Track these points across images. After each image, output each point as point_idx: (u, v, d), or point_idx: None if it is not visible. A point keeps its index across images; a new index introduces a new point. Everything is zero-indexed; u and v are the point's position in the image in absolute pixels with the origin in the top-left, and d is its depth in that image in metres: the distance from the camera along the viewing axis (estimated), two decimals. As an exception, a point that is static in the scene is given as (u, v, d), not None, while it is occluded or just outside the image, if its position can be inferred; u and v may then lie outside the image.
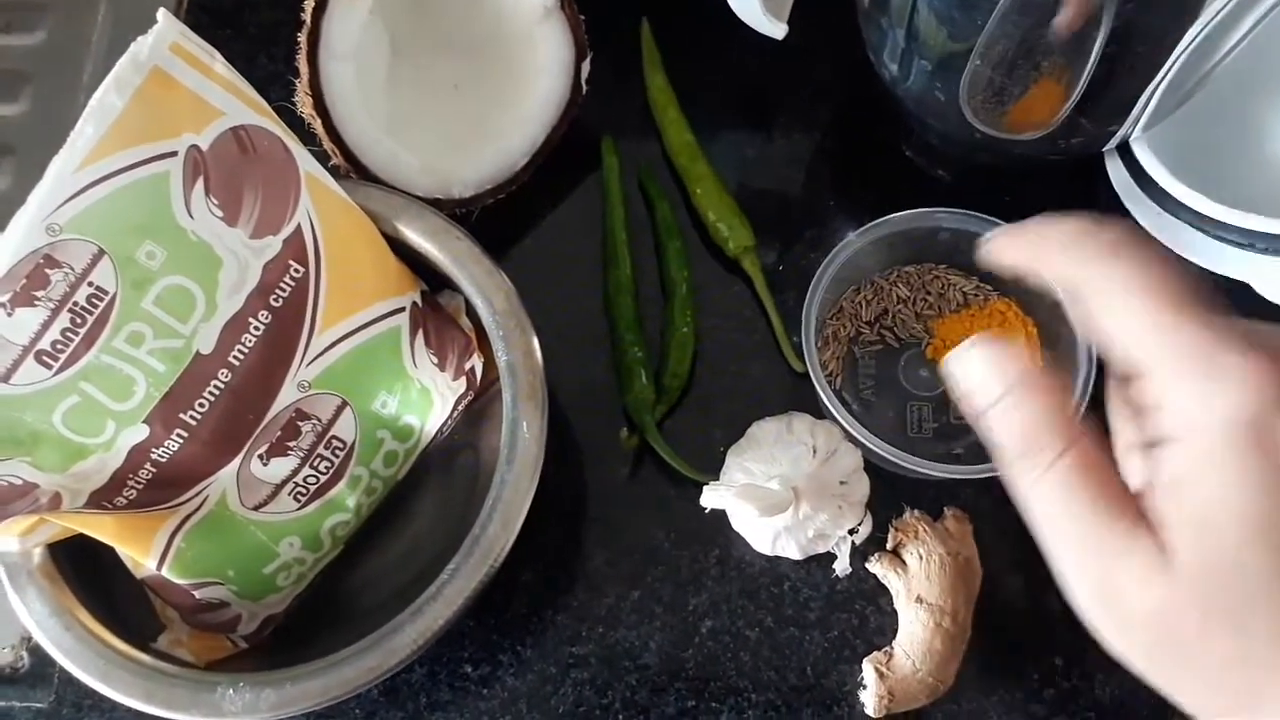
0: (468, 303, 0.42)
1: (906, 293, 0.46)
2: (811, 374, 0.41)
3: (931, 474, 0.40)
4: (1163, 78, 0.38)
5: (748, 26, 0.46)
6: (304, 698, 0.34)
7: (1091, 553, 0.27)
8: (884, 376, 0.45)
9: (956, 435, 0.44)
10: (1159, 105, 0.40)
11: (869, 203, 0.49)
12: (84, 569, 0.39)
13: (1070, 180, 0.48)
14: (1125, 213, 0.46)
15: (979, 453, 0.44)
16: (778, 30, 0.46)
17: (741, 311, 0.47)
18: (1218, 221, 0.41)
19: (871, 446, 0.40)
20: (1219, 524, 0.25)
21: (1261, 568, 0.25)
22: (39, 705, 0.43)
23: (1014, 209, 0.45)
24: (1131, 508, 0.26)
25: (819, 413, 0.44)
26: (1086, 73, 0.38)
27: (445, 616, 0.35)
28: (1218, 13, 0.35)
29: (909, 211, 0.44)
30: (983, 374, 0.28)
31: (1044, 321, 0.44)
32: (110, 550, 0.38)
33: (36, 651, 0.44)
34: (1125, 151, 0.45)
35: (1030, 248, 0.31)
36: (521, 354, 0.39)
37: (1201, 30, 0.36)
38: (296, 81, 0.43)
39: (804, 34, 0.46)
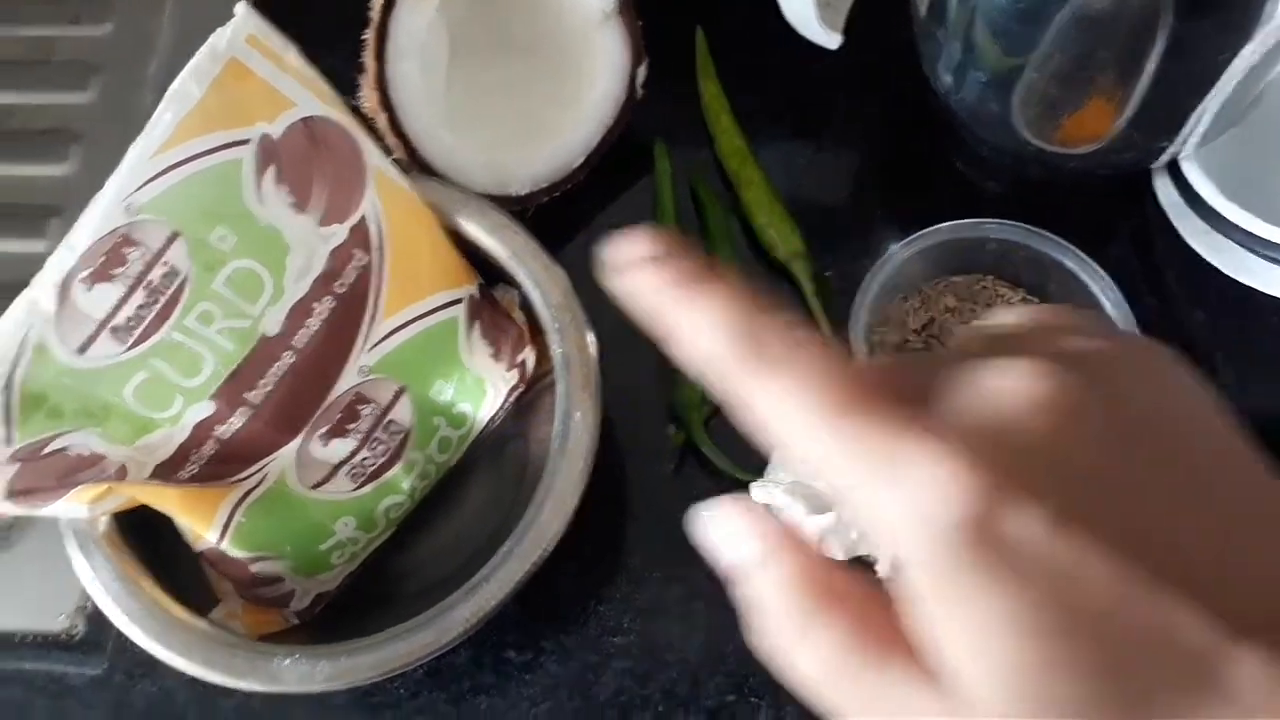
0: (522, 297, 0.43)
1: (954, 303, 0.47)
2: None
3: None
4: (1216, 96, 0.39)
5: (802, 35, 0.47)
6: (358, 670, 0.35)
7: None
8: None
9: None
10: (1212, 123, 0.41)
11: (918, 212, 0.49)
12: (142, 541, 0.40)
13: (1120, 196, 0.49)
14: (1173, 231, 0.46)
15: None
16: (832, 40, 0.47)
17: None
18: (1268, 241, 0.41)
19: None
20: (989, 667, 0.20)
21: (1061, 698, 0.20)
22: (92, 673, 0.44)
23: (1063, 223, 0.45)
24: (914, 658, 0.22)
25: (863, 417, 0.45)
26: (1140, 89, 0.39)
27: (498, 597, 0.36)
28: (1274, 30, 0.36)
29: (957, 221, 0.44)
30: (726, 546, 0.24)
31: (1089, 334, 0.45)
32: (167, 524, 0.39)
33: (92, 619, 0.45)
34: (1174, 169, 0.45)
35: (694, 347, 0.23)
36: (576, 346, 0.40)
37: (1257, 48, 0.37)
38: (360, 77, 0.45)
39: (858, 44, 0.47)
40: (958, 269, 0.47)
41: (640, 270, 0.23)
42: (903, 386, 0.22)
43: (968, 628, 0.20)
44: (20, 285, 0.52)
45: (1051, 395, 0.21)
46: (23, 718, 0.44)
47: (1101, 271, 0.43)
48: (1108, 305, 0.43)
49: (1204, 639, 0.20)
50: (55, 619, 0.45)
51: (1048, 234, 0.44)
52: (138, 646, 0.45)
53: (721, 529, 0.23)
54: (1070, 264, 0.44)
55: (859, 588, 0.22)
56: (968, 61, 0.41)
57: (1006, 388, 0.21)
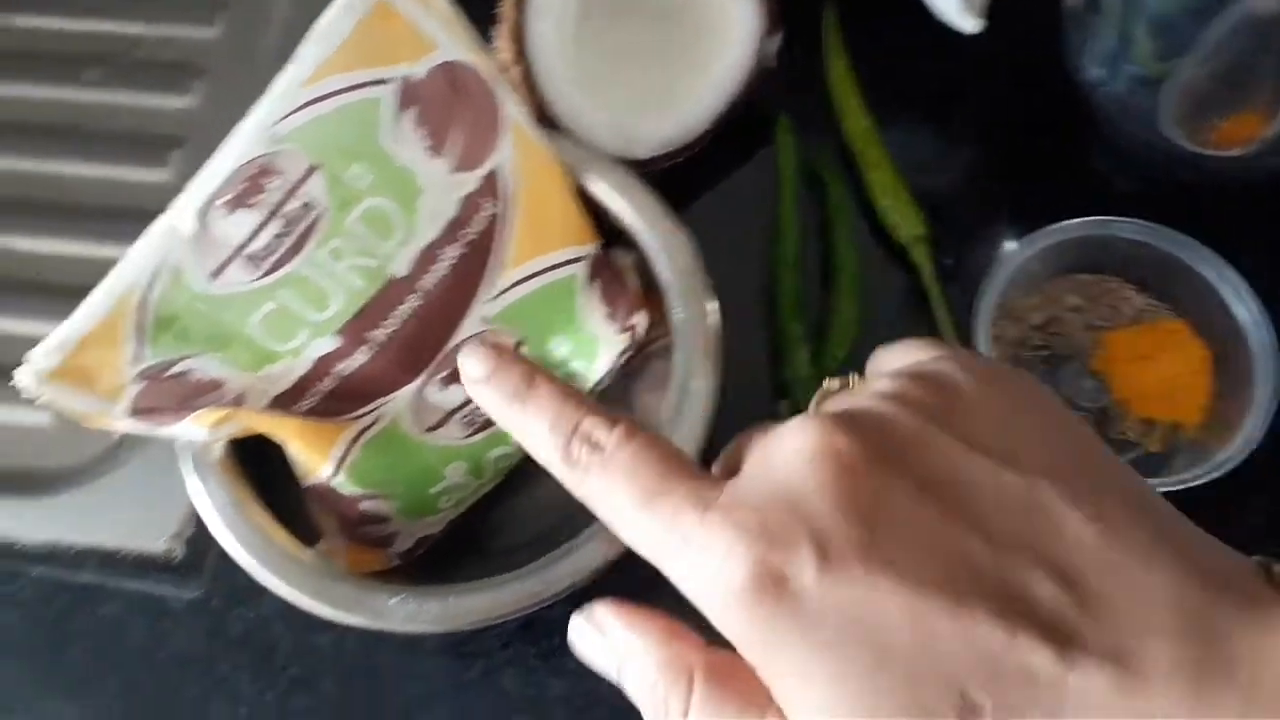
0: (637, 262, 0.43)
1: (1077, 301, 0.45)
2: (981, 368, 0.41)
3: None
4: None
5: (936, 18, 0.46)
6: (465, 614, 0.35)
7: None
8: (1046, 383, 0.44)
9: (1116, 450, 0.43)
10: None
11: (1043, 206, 0.48)
12: (250, 472, 0.40)
13: (1255, 203, 0.47)
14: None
15: (1139, 470, 0.43)
16: (971, 24, 0.46)
17: (904, 301, 0.47)
18: None
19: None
20: (816, 713, 0.22)
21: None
22: (190, 596, 0.45)
23: (1193, 227, 0.44)
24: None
25: (974, 410, 0.44)
26: (1305, 93, 0.37)
27: (608, 555, 0.35)
28: None
29: (1090, 218, 0.43)
30: (592, 654, 0.27)
31: (1219, 346, 0.43)
32: (271, 458, 0.39)
33: (191, 543, 0.46)
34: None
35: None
36: (699, 312, 0.39)
37: None
38: (494, 28, 0.44)
39: (993, 30, 0.46)
40: (1084, 267, 0.46)
41: (477, 389, 0.30)
42: (733, 453, 0.26)
43: (786, 680, 0.22)
44: (141, 212, 0.53)
45: (817, 448, 0.23)
46: (119, 635, 0.45)
47: (1238, 279, 0.42)
48: (1243, 314, 0.41)
49: (1036, 660, 0.20)
50: (157, 540, 0.46)
51: (1184, 237, 0.43)
52: (236, 573, 0.45)
53: (581, 648, 0.27)
54: (1205, 270, 0.42)
55: (724, 657, 0.24)
56: (1122, 54, 0.40)
57: (783, 449, 0.23)
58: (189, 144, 0.54)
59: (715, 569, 0.22)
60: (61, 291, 0.51)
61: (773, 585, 0.22)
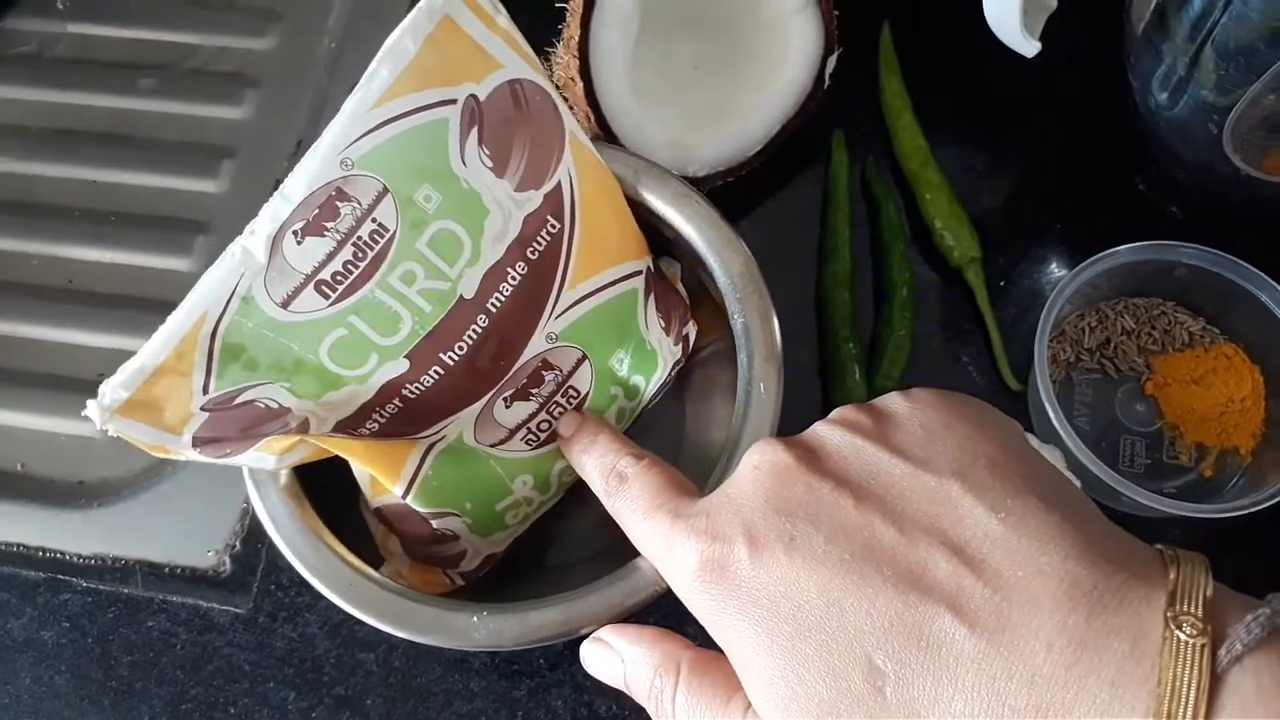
0: (685, 270, 0.43)
1: (1132, 325, 0.45)
2: (1043, 396, 0.41)
3: (1159, 509, 0.39)
4: None
5: (990, 39, 0.46)
6: (545, 629, 0.35)
7: None
8: (1099, 406, 0.45)
9: (1169, 475, 0.44)
10: None
11: (1095, 230, 0.48)
12: (315, 497, 0.40)
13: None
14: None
15: (1191, 495, 0.43)
16: (1030, 48, 0.45)
17: (958, 322, 0.47)
18: None
19: (1100, 475, 0.40)
20: (754, 685, 0.26)
21: (812, 696, 0.24)
22: (237, 610, 0.45)
23: (1253, 253, 0.44)
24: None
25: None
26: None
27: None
28: None
29: (1146, 243, 0.43)
30: (601, 668, 0.32)
31: (1273, 370, 0.43)
32: (330, 483, 0.39)
33: (238, 558, 0.46)
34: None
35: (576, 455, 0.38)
36: (759, 317, 0.39)
37: None
38: (557, 42, 0.44)
39: (1051, 53, 0.46)
40: (1139, 291, 0.46)
41: (563, 442, 0.39)
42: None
43: (734, 651, 0.26)
44: (190, 224, 0.53)
45: (760, 461, 0.28)
46: (165, 647, 0.44)
47: (1299, 307, 0.42)
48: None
49: (931, 629, 0.23)
50: (204, 555, 0.46)
51: (1241, 262, 0.43)
52: (282, 589, 0.45)
53: (593, 665, 0.32)
54: (1261, 295, 0.42)
55: (706, 654, 0.29)
56: (1189, 80, 0.40)
57: (742, 465, 0.29)
58: (240, 155, 0.54)
59: (680, 561, 0.28)
60: (103, 300, 0.51)
61: (716, 571, 0.26)
